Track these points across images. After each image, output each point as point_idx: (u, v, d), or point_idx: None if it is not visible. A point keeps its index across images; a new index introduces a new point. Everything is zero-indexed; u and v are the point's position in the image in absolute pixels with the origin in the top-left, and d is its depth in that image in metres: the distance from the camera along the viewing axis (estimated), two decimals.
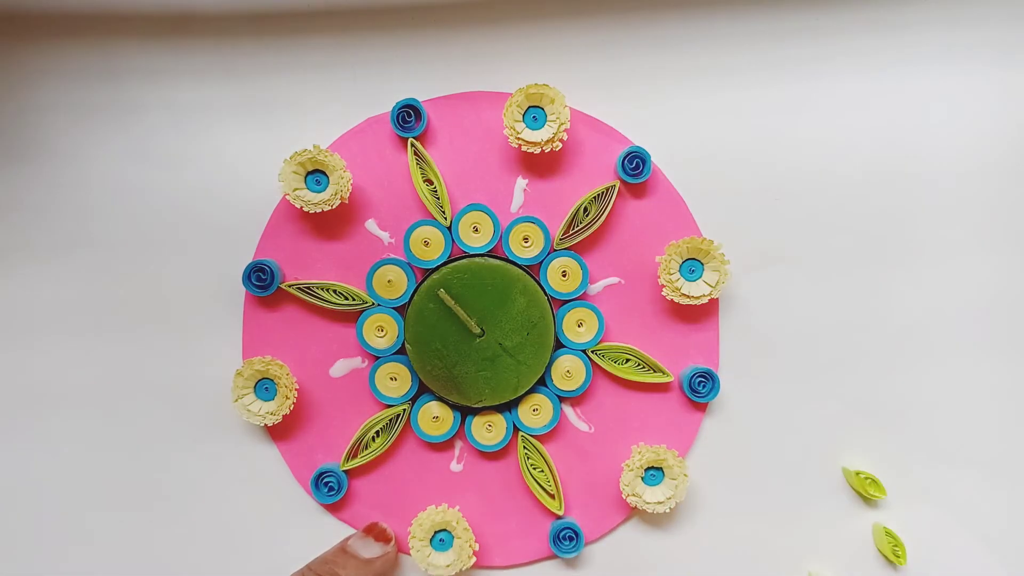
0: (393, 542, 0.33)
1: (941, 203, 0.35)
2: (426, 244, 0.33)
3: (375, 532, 0.33)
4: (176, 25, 0.33)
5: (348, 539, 0.33)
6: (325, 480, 0.33)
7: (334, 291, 0.33)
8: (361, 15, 0.33)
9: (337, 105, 0.33)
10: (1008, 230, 0.35)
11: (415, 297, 0.33)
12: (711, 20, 0.34)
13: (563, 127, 0.32)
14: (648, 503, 0.32)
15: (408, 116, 0.33)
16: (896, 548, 0.34)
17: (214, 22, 0.33)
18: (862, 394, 0.35)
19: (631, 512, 0.34)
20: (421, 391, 0.34)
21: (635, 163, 0.33)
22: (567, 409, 0.34)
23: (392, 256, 0.33)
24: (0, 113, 0.34)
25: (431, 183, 0.33)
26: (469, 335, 0.33)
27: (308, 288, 0.33)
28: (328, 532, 0.34)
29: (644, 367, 0.34)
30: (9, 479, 0.34)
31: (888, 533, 0.34)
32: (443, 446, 0.34)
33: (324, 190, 0.32)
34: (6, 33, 0.33)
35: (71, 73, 0.33)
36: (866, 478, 0.34)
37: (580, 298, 0.33)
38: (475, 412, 0.34)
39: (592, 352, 0.34)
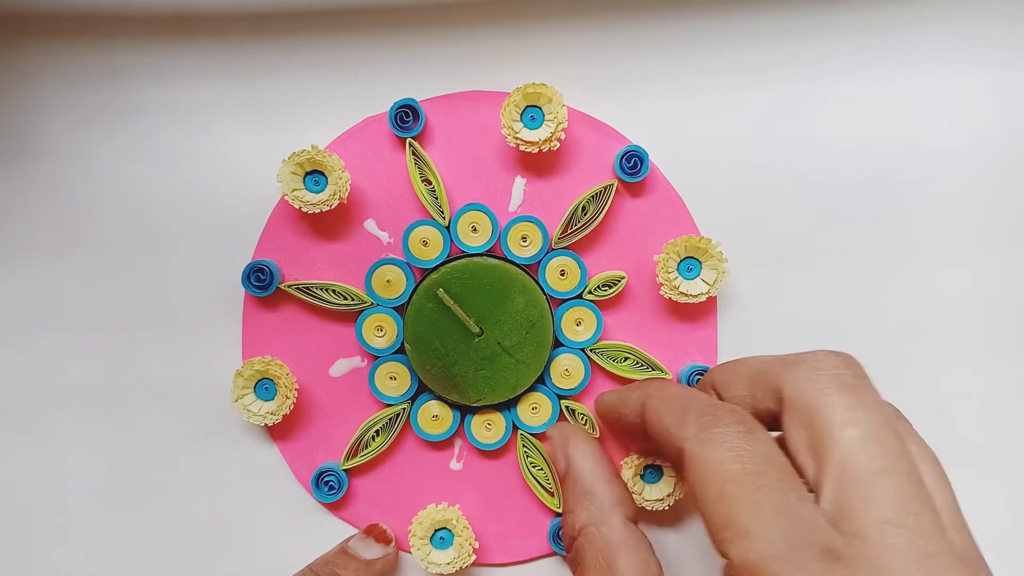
0: (394, 543, 0.34)
1: (941, 203, 0.35)
2: (425, 244, 0.33)
3: (376, 533, 0.33)
4: (176, 25, 0.33)
5: (348, 540, 0.33)
6: (325, 479, 0.33)
7: (333, 291, 0.33)
8: (359, 15, 0.33)
9: (335, 105, 0.33)
10: (1009, 231, 0.35)
11: (414, 297, 0.33)
12: (709, 19, 0.34)
13: (561, 126, 0.32)
14: (647, 500, 0.33)
15: (406, 116, 0.33)
16: None
17: (214, 22, 0.33)
18: None
19: None
20: (420, 390, 0.34)
21: (633, 162, 0.33)
22: (566, 407, 0.34)
23: (391, 256, 0.33)
24: (1, 113, 0.34)
25: (429, 183, 0.33)
26: (468, 334, 0.33)
27: (307, 288, 0.33)
28: (329, 531, 0.34)
29: (642, 365, 0.34)
30: (8, 479, 0.34)
31: None
32: (443, 445, 0.34)
33: (322, 190, 0.32)
34: (6, 33, 0.33)
35: (71, 73, 0.33)
36: None
37: (578, 297, 0.34)
38: (474, 411, 0.34)
39: (591, 351, 0.34)
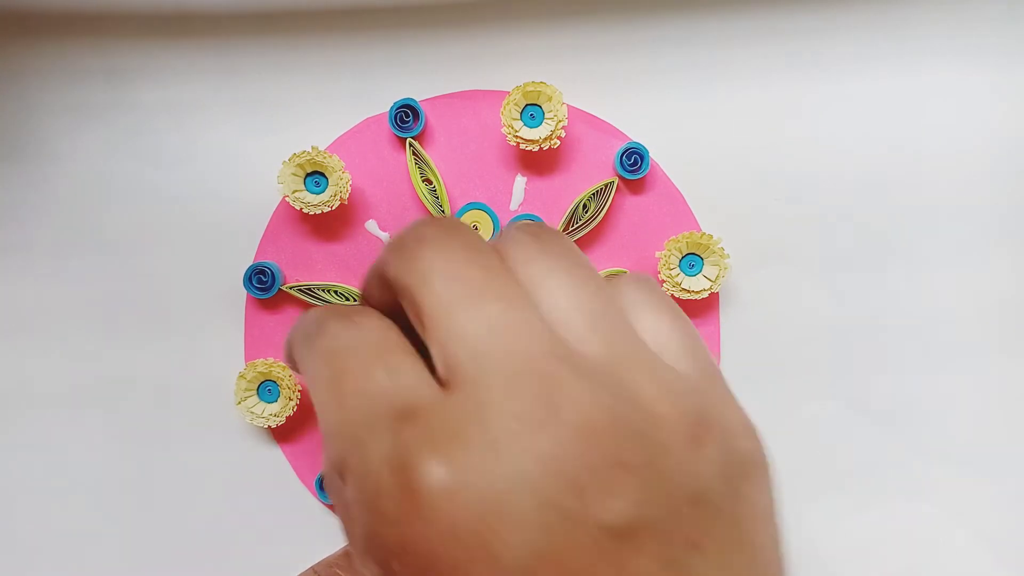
0: None
1: (942, 202, 0.35)
2: None
3: None
4: (176, 25, 0.33)
5: None
6: None
7: (335, 292, 0.33)
8: (359, 15, 0.33)
9: (335, 106, 0.33)
10: (1009, 231, 0.35)
11: None
12: (709, 18, 0.34)
13: (561, 124, 0.32)
14: None
15: (406, 116, 0.33)
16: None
17: (213, 24, 0.33)
18: (864, 391, 0.35)
19: None
20: None
21: (633, 159, 0.33)
22: None
23: None
24: (0, 113, 0.34)
25: (430, 183, 0.33)
26: None
27: (309, 289, 0.33)
28: (332, 533, 0.34)
29: None
30: (8, 479, 0.34)
31: None
32: None
33: (323, 191, 0.32)
34: (6, 33, 0.33)
35: (71, 73, 0.33)
36: None
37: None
38: None
39: None
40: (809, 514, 0.34)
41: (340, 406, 0.19)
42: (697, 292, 0.32)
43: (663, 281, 0.32)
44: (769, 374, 0.35)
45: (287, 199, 0.32)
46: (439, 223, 0.21)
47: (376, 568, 0.17)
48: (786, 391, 0.35)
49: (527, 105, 0.32)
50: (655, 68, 0.34)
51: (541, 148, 0.32)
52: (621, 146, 0.33)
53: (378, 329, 0.20)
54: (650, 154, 0.33)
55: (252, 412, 0.32)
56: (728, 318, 0.34)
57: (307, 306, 0.34)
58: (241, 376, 0.32)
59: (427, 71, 0.34)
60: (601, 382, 0.17)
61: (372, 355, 0.19)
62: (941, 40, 0.34)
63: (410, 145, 0.33)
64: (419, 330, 0.19)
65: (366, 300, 0.23)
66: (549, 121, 0.32)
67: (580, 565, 0.15)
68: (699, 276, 0.33)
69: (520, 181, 0.33)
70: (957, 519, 0.35)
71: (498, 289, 0.18)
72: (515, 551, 0.15)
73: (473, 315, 0.18)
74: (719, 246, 0.32)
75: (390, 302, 0.21)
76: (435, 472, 0.16)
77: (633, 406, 0.17)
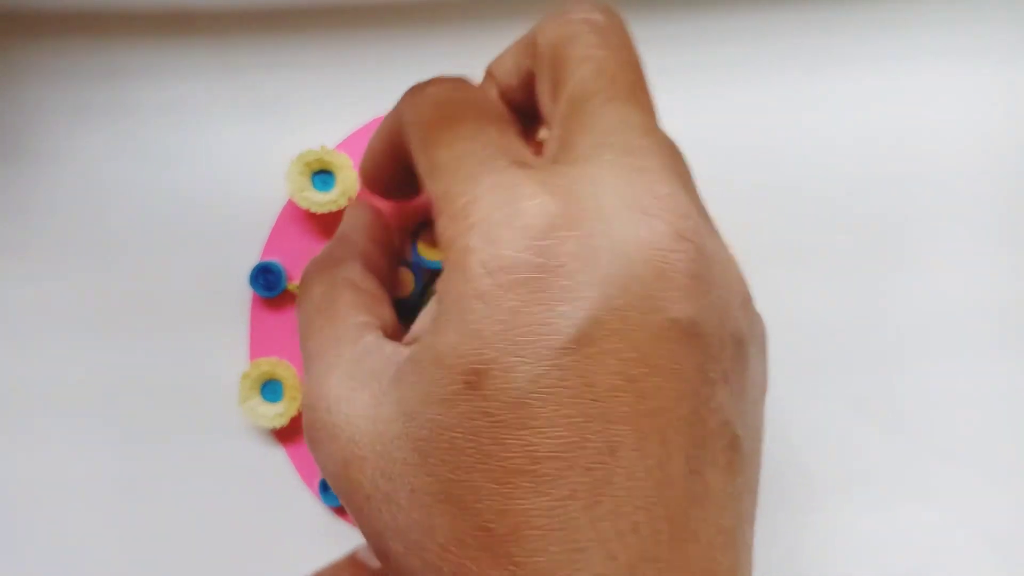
0: None
1: (945, 202, 0.35)
2: (433, 244, 0.33)
3: None
4: (178, 24, 0.33)
5: (357, 549, 0.33)
6: None
7: None
8: (365, 13, 0.33)
9: (342, 105, 0.33)
10: (1010, 230, 0.35)
11: (423, 298, 0.33)
12: (708, 16, 0.34)
13: None
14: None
15: None
16: None
17: (217, 21, 0.33)
18: (869, 393, 0.35)
19: None
20: None
21: None
22: None
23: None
24: (0, 113, 0.33)
25: None
26: None
27: None
28: (336, 535, 0.34)
29: None
30: (8, 479, 0.34)
31: None
32: None
33: (331, 190, 0.32)
34: (6, 33, 0.33)
35: (71, 73, 0.33)
36: None
37: None
38: None
39: None
40: (813, 517, 0.34)
41: (448, 146, 0.20)
42: None
43: None
44: (773, 374, 0.34)
45: (294, 198, 0.32)
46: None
47: None
48: (790, 392, 0.35)
49: None
50: (655, 67, 0.34)
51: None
52: None
53: (486, 95, 0.23)
54: None
55: (256, 412, 0.32)
56: None
57: None
58: (245, 376, 0.32)
59: (435, 69, 0.33)
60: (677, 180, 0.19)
61: (485, 112, 0.21)
62: (941, 40, 0.35)
63: None
64: (552, 102, 0.22)
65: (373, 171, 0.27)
66: None
67: (643, 339, 0.17)
68: None
69: None
70: (963, 521, 0.35)
71: (636, 96, 0.22)
72: (595, 301, 0.17)
73: (603, 112, 0.20)
74: None
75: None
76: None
77: (720, 262, 0.19)
